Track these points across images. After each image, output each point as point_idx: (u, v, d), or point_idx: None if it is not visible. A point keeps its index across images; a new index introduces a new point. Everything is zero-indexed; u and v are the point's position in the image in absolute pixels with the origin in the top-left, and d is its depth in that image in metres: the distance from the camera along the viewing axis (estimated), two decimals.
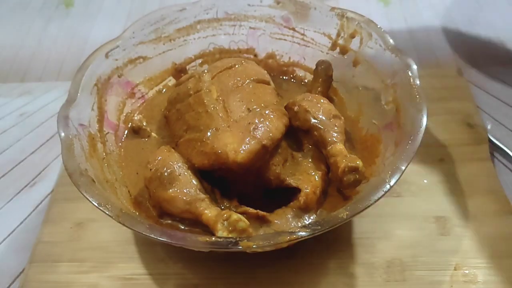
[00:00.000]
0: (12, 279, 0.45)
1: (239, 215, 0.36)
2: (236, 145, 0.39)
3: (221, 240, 0.34)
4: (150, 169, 0.41)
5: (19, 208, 0.52)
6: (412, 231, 0.45)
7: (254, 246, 0.33)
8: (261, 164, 0.40)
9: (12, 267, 0.46)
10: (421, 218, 0.46)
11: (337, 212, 0.34)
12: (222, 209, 0.39)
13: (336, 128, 0.43)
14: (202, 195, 0.39)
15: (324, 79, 0.51)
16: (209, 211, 0.38)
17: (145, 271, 0.44)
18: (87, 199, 0.36)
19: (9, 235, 0.49)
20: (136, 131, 0.51)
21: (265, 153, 0.40)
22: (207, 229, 0.38)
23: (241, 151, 0.38)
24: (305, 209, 0.40)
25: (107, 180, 0.43)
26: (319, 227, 0.33)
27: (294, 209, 0.40)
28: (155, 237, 0.34)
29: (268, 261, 0.43)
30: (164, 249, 0.45)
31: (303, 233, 0.33)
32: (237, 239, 0.33)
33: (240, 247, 0.33)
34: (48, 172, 0.56)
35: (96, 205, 0.36)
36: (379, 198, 0.34)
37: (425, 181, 0.49)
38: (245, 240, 0.33)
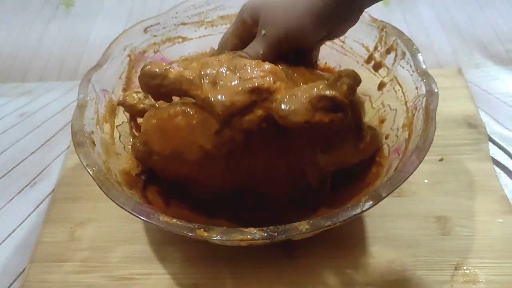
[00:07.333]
0: (12, 279, 0.45)
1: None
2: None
3: (180, 223, 0.33)
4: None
5: (19, 207, 0.52)
6: (413, 231, 0.45)
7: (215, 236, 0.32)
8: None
9: (12, 267, 0.46)
10: (422, 218, 0.46)
11: (337, 212, 0.34)
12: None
13: None
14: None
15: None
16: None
17: (145, 271, 0.44)
18: (79, 159, 0.37)
19: (9, 234, 0.50)
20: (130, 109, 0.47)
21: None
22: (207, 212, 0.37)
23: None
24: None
25: (113, 150, 0.43)
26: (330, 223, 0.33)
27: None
28: (126, 208, 0.34)
29: (268, 261, 0.43)
30: (164, 249, 0.45)
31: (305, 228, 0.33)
32: (196, 226, 0.33)
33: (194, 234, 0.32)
34: (48, 172, 0.56)
35: (84, 165, 0.37)
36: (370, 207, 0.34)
37: (426, 181, 0.49)
38: (202, 230, 0.33)
